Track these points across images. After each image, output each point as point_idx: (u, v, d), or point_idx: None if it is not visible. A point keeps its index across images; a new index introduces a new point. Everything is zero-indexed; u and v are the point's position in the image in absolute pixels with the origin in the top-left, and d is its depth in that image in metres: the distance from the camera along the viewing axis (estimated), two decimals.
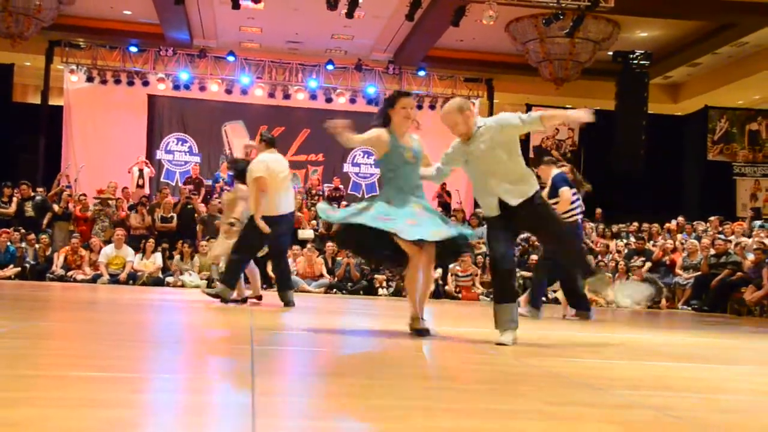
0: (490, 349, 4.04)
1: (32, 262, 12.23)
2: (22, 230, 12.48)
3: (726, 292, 11.63)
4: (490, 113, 18.67)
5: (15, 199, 13.06)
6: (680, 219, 14.54)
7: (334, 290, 12.49)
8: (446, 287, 12.48)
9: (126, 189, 14.83)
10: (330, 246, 12.90)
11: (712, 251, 12.21)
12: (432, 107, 18.07)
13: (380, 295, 12.50)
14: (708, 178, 18.34)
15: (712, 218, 14.02)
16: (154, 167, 16.95)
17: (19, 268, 11.98)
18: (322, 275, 12.69)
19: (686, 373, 3.62)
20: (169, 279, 12.34)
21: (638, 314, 10.32)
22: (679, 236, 13.86)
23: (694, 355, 4.62)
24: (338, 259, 12.86)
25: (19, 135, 16.89)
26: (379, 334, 4.84)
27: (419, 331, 4.50)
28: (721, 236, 12.68)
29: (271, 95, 17.86)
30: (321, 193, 16.62)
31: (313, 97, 17.92)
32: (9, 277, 11.71)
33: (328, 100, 17.73)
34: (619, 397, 2.65)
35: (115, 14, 16.27)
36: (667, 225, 14.45)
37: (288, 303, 7.11)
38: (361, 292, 12.49)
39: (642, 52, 16.45)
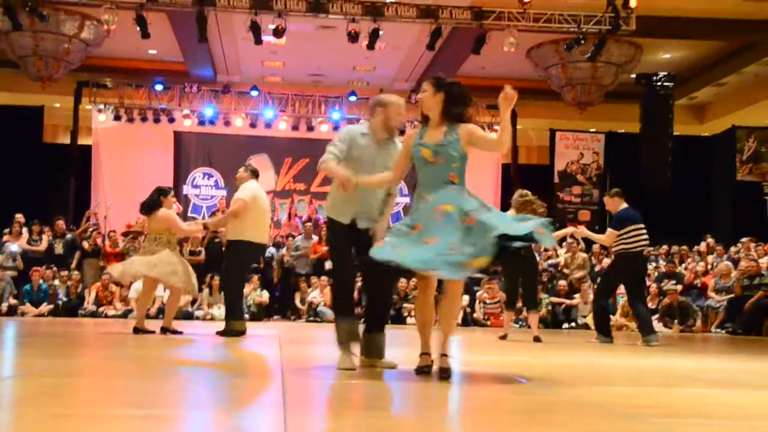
0: (522, 378, 4.00)
1: (64, 299, 12.38)
2: (54, 268, 12.65)
3: (760, 315, 11.42)
4: (514, 139, 18.64)
5: (45, 237, 13.25)
6: (710, 240, 14.31)
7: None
8: (474, 315, 12.38)
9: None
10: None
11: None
12: None
13: (409, 324, 12.43)
14: (738, 199, 18.07)
15: (744, 239, 13.76)
16: (181, 202, 17.12)
17: (52, 306, 12.13)
18: None
19: (723, 400, 3.54)
20: (199, 313, 12.40)
21: (671, 339, 10.15)
22: (709, 258, 13.64)
23: (730, 381, 4.53)
24: None
25: (50, 175, 17.17)
26: (408, 365, 4.81)
27: (421, 370, 3.93)
28: (753, 257, 12.47)
29: (295, 128, 18.02)
30: None
31: (337, 128, 17.98)
32: (43, 315, 11.86)
33: None
34: (655, 425, 2.61)
35: (141, 54, 16.58)
36: (697, 247, 14.23)
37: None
38: (390, 322, 12.40)
39: (665, 73, 16.36)
